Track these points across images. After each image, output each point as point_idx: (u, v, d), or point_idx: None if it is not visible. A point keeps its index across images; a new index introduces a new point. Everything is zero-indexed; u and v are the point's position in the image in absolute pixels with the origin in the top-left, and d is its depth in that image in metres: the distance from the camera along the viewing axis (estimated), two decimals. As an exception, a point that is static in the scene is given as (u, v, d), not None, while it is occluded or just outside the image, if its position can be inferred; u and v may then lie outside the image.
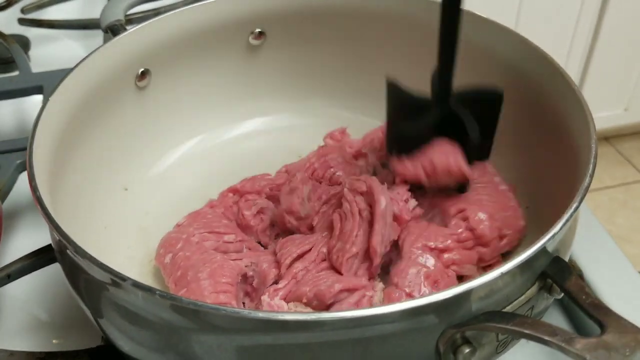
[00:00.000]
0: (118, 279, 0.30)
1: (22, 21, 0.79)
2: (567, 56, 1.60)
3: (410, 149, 0.43)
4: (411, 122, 0.44)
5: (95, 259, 0.31)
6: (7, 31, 0.73)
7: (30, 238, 0.50)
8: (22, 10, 0.81)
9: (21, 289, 0.46)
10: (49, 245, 0.44)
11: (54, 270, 0.44)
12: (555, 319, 0.43)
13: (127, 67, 0.50)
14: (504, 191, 0.45)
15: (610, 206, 1.65)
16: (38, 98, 0.60)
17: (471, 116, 0.42)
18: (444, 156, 0.42)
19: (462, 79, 0.44)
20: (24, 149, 0.53)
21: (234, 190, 0.49)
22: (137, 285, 0.30)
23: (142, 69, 0.51)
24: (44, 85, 0.61)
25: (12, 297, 0.46)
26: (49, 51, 0.77)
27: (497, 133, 0.45)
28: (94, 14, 0.82)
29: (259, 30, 0.56)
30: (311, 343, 0.30)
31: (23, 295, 0.47)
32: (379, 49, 0.56)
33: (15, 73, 0.66)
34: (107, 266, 0.31)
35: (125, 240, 0.48)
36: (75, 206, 0.44)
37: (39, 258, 0.44)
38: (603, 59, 1.61)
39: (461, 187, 0.44)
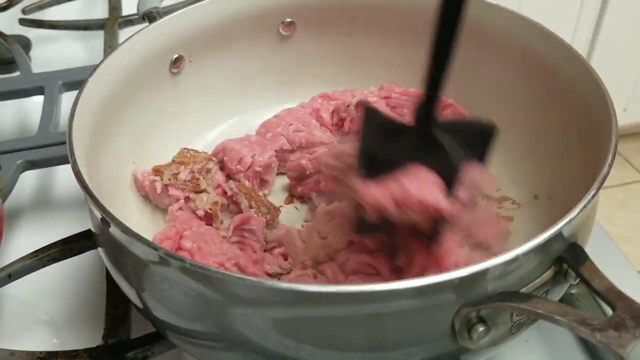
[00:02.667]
0: (152, 249, 0.31)
1: (23, 22, 0.79)
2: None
3: (380, 172, 0.36)
4: (386, 144, 0.38)
5: (137, 234, 0.32)
6: (8, 32, 0.73)
7: (31, 238, 0.50)
8: (23, 11, 0.81)
9: (22, 289, 0.46)
10: (49, 245, 0.44)
11: (55, 269, 0.45)
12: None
13: (161, 53, 0.51)
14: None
15: (610, 206, 1.65)
16: (39, 99, 0.60)
17: (457, 144, 0.36)
18: (420, 185, 0.35)
19: (492, 73, 0.52)
20: (25, 149, 0.54)
21: (324, 96, 0.57)
22: (169, 255, 0.31)
23: (176, 55, 0.53)
24: (45, 85, 0.61)
25: (13, 297, 0.47)
26: (49, 52, 0.77)
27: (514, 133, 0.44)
28: (95, 14, 0.83)
29: (290, 19, 0.58)
30: (326, 317, 0.30)
31: (24, 295, 0.47)
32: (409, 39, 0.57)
33: (16, 73, 0.67)
34: (148, 240, 0.32)
35: (160, 222, 0.49)
36: (111, 186, 0.45)
37: (40, 258, 0.44)
38: (602, 60, 1.61)
39: (435, 227, 0.37)
